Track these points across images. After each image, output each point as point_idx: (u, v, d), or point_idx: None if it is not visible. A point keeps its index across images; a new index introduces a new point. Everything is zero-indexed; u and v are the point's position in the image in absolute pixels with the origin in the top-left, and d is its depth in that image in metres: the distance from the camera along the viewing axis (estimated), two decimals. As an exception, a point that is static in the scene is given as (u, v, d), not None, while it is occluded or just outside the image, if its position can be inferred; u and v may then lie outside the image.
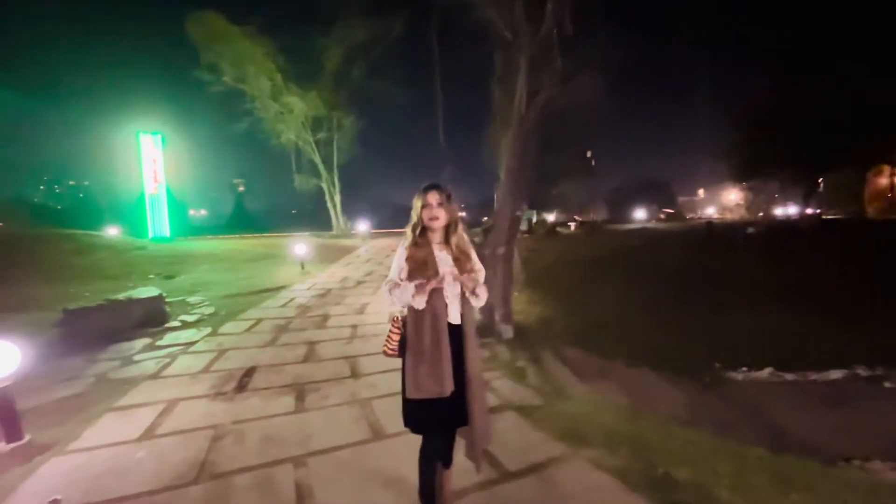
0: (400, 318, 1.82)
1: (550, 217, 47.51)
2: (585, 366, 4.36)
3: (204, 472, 2.25)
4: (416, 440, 1.81)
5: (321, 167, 26.40)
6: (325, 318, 5.94)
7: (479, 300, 1.81)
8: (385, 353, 1.86)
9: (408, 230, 1.83)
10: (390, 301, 1.79)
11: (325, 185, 26.84)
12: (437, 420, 1.74)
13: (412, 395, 1.68)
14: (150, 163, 17.52)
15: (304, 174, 26.80)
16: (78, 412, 3.16)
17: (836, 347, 5.73)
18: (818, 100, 21.86)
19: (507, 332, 5.02)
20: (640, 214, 55.42)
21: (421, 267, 1.74)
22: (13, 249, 12.11)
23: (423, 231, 1.81)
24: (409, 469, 2.17)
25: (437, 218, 1.77)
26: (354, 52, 24.18)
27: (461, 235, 1.87)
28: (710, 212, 63.50)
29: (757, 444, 2.59)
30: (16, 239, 13.88)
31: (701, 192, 77.24)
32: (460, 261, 1.80)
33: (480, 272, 1.88)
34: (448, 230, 1.82)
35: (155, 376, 3.84)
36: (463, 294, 1.77)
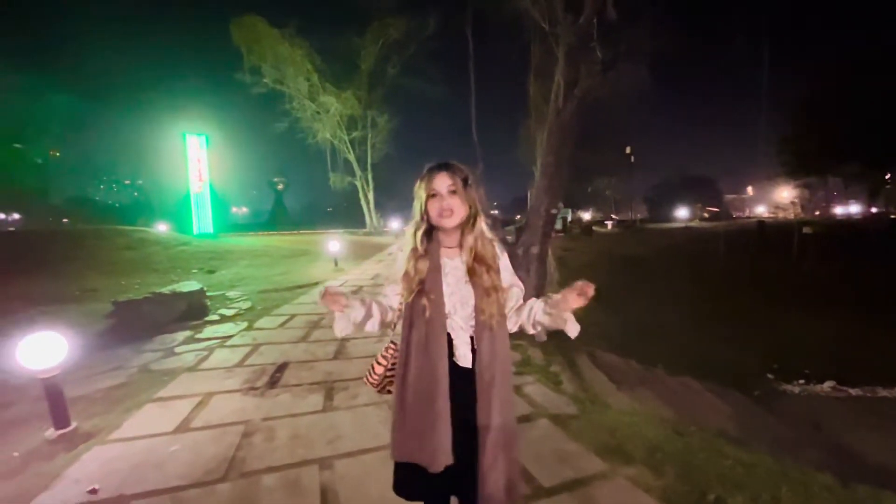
0: (393, 346, 1.37)
1: (586, 215, 46.33)
2: (624, 372, 4.13)
3: (233, 470, 2.26)
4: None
5: (355, 165, 26.89)
6: (357, 315, 5.96)
7: (512, 325, 1.36)
8: (365, 381, 1.46)
9: (409, 232, 1.32)
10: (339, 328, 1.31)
11: (358, 184, 27.33)
12: (432, 491, 1.30)
13: (396, 456, 1.25)
14: (195, 162, 18.38)
15: (338, 172, 27.39)
16: (121, 402, 3.28)
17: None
18: (887, 84, 19.87)
19: (542, 334, 4.84)
20: (681, 213, 52.95)
21: (418, 287, 1.25)
22: (76, 244, 13.01)
23: (430, 233, 1.31)
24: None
25: (450, 211, 1.24)
26: (389, 51, 24.47)
27: (482, 235, 1.31)
28: (761, 210, 59.83)
29: (821, 470, 2.33)
30: (78, 234, 14.91)
31: (749, 189, 73.00)
32: (477, 272, 1.27)
33: (514, 289, 1.37)
34: (463, 229, 1.30)
35: (193, 369, 3.95)
36: (481, 322, 1.24)
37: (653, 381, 4.06)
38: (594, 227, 32.07)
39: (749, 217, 49.74)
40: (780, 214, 51.85)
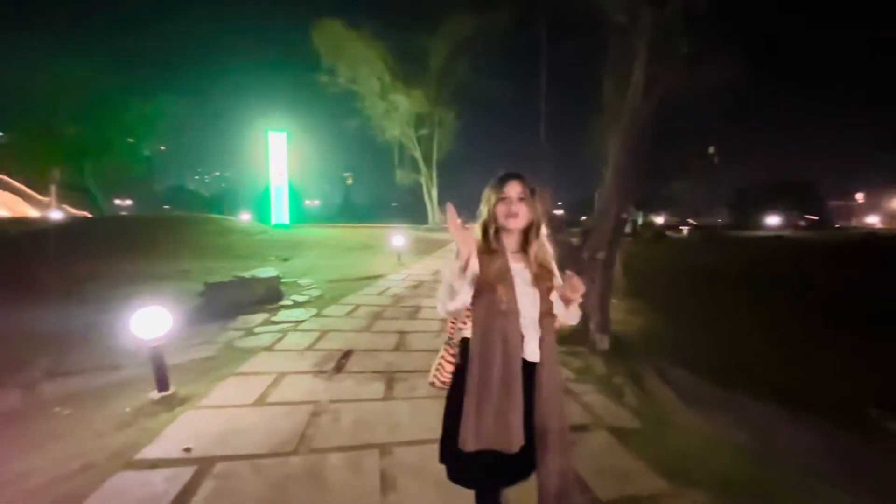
0: (456, 345, 1.44)
1: (659, 219, 43.47)
2: (695, 391, 3.85)
3: (303, 445, 2.44)
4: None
5: (421, 162, 27.46)
6: (417, 309, 6.13)
7: (572, 318, 1.45)
8: (434, 384, 1.52)
9: (477, 230, 1.40)
10: (442, 308, 1.37)
11: (423, 180, 27.89)
12: (496, 476, 1.40)
13: (469, 445, 1.28)
14: (276, 157, 19.88)
15: (404, 169, 28.14)
16: (209, 373, 3.67)
17: None
18: None
19: (603, 342, 4.66)
20: (772, 220, 47.76)
21: (492, 283, 1.32)
22: (173, 229, 14.67)
23: (496, 233, 1.40)
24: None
25: (516, 215, 1.35)
26: (459, 48, 24.63)
27: (543, 244, 1.43)
28: (872, 220, 52.29)
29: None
30: (175, 220, 16.79)
31: (859, 195, 64.10)
32: (542, 278, 1.38)
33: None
34: (528, 235, 1.41)
35: (269, 349, 4.30)
36: (546, 324, 1.37)
37: (730, 403, 3.74)
38: (667, 232, 30.01)
39: (857, 227, 43.67)
40: (896, 225, 44.91)
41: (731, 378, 4.26)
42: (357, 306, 6.24)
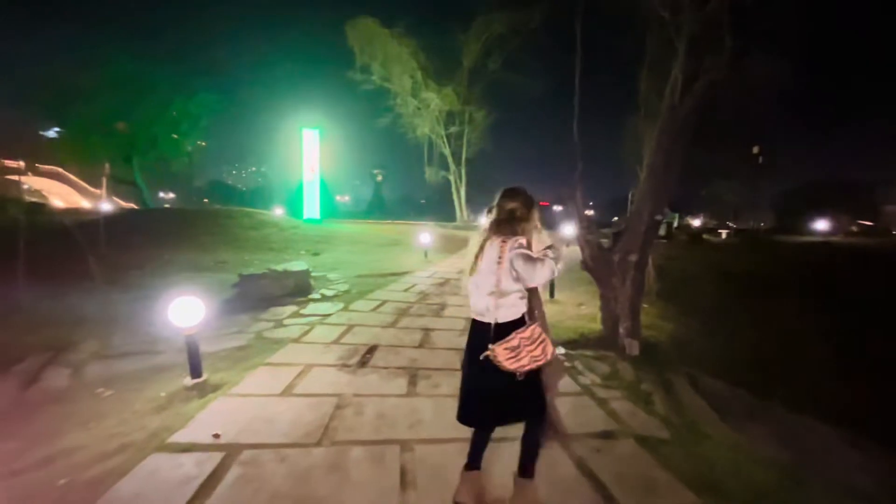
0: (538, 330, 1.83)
1: (696, 221, 41.76)
2: (729, 401, 3.68)
3: (326, 437, 2.49)
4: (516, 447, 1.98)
5: (450, 160, 27.46)
6: (442, 307, 6.14)
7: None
8: (521, 373, 1.74)
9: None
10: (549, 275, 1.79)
11: (452, 178, 27.89)
12: (493, 417, 1.96)
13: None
14: (309, 154, 20.36)
15: (434, 166, 28.21)
16: (240, 362, 3.80)
17: None
18: None
19: (633, 348, 4.51)
20: (820, 225, 44.95)
21: None
22: (212, 221, 15.27)
23: None
24: (510, 483, 2.08)
25: None
26: (491, 45, 24.43)
27: None
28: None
29: None
30: (214, 213, 17.48)
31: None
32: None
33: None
34: None
35: (297, 340, 4.41)
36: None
37: (766, 416, 3.55)
38: (704, 236, 28.79)
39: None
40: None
41: (768, 389, 4.04)
42: (383, 302, 6.31)
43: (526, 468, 1.93)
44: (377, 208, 61.62)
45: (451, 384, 3.33)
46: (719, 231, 35.42)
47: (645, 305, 5.46)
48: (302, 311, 5.73)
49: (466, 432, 2.59)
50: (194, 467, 2.13)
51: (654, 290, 7.15)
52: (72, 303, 5.82)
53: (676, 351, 5.02)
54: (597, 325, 5.02)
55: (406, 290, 7.29)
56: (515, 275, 1.74)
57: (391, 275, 8.90)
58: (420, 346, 4.37)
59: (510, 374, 1.74)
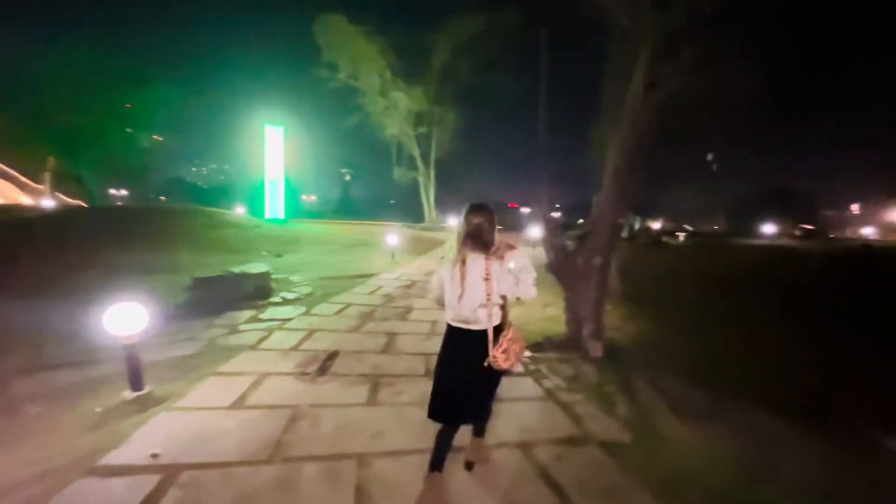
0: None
1: (656, 224, 43.48)
2: (689, 401, 3.76)
3: (278, 453, 2.33)
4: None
5: (419, 161, 27.32)
6: (408, 310, 6.03)
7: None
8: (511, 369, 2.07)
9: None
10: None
11: (420, 178, 27.74)
12: (456, 414, 2.11)
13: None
14: (272, 152, 19.68)
15: (403, 167, 27.98)
16: (189, 371, 3.55)
17: None
18: None
19: (596, 349, 4.57)
20: (768, 228, 47.90)
21: None
22: (168, 220, 14.50)
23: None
24: (472, 491, 2.01)
25: None
26: (462, 48, 24.48)
27: None
28: (867, 232, 52.46)
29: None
30: (171, 212, 16.62)
31: (854, 207, 64.40)
32: None
33: None
34: None
35: (253, 347, 4.19)
36: None
37: (723, 414, 3.65)
38: (664, 238, 30.01)
39: (851, 238, 43.82)
40: (892, 237, 44.99)
41: (725, 386, 4.17)
42: (347, 305, 6.13)
43: (479, 430, 2.32)
44: (345, 208, 60.54)
45: (415, 391, 3.23)
46: (677, 234, 37.02)
47: (608, 307, 5.54)
48: (260, 316, 5.47)
49: (428, 442, 2.51)
50: (126, 493, 1.93)
51: (618, 292, 7.31)
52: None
53: (639, 351, 5.12)
54: (561, 328, 5.05)
55: (371, 293, 7.13)
56: (507, 285, 1.99)
57: (357, 277, 8.69)
58: (384, 351, 4.24)
59: (488, 373, 1.98)
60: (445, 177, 29.73)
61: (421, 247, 15.02)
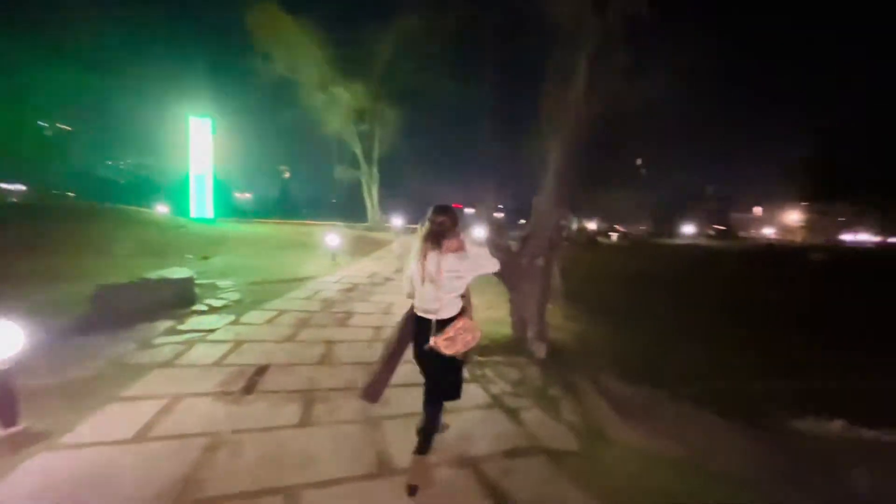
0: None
1: (591, 225, 45.92)
2: (631, 401, 3.84)
3: (187, 493, 1.99)
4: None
5: (361, 159, 26.63)
6: (349, 315, 5.71)
7: None
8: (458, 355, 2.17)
9: None
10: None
11: (363, 177, 27.05)
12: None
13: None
14: (198, 145, 18.11)
15: (344, 165, 27.14)
16: (83, 398, 3.02)
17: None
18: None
19: (541, 350, 4.57)
20: (687, 229, 52.53)
21: None
22: (76, 220, 12.80)
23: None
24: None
25: None
26: (404, 46, 24.15)
27: None
28: (768, 232, 59.10)
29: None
30: (79, 210, 14.72)
31: (757, 209, 72.36)
32: None
33: None
34: None
35: (168, 364, 3.69)
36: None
37: (663, 412, 3.78)
38: (599, 239, 31.73)
39: (756, 238, 49.24)
40: (788, 237, 51.13)
41: (663, 381, 4.34)
42: (281, 312, 5.68)
43: (424, 448, 2.19)
44: (284, 207, 57.75)
45: (353, 408, 2.98)
46: (610, 234, 39.36)
47: (550, 307, 5.60)
48: (180, 327, 4.89)
49: (368, 468, 2.29)
50: (-26, 568, 1.52)
51: (561, 292, 7.47)
52: None
53: (582, 351, 5.22)
54: (507, 330, 5.01)
55: (309, 298, 6.69)
56: (458, 273, 2.12)
57: (293, 280, 8.16)
58: (320, 362, 3.92)
59: (444, 360, 2.13)
60: (389, 176, 29.21)
61: (364, 248, 14.56)
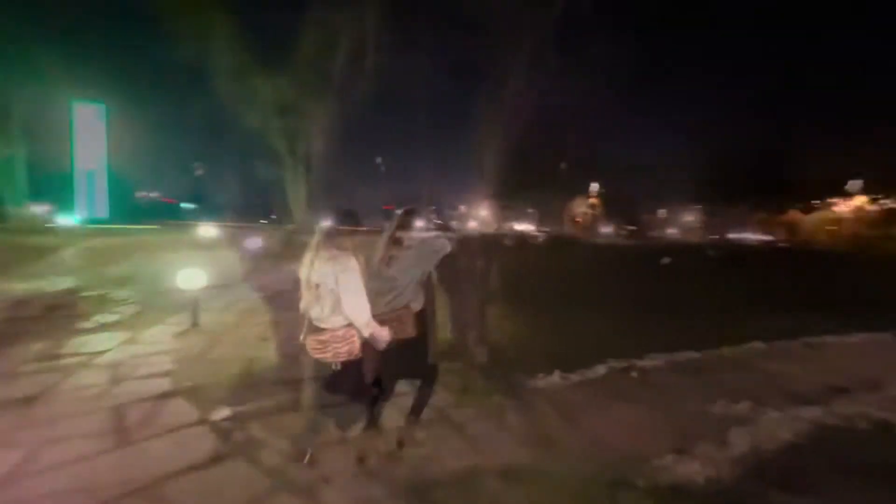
0: None
1: (521, 227, 47.86)
2: (570, 398, 3.84)
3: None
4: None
5: (286, 157, 25.07)
6: (275, 324, 5.15)
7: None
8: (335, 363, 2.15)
9: None
10: None
11: (288, 176, 25.48)
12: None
13: None
14: (87, 136, 15.72)
15: (267, 162, 25.43)
16: None
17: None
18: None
19: (482, 355, 4.45)
20: (604, 230, 57.13)
21: None
22: None
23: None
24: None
25: None
26: (334, 38, 23.08)
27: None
28: (672, 231, 65.87)
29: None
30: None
31: (661, 211, 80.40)
32: None
33: None
34: None
35: (29, 401, 2.97)
36: None
37: (597, 407, 3.81)
38: (528, 239, 33.03)
39: (661, 237, 54.67)
40: (688, 236, 57.43)
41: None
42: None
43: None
44: (196, 207, 52.84)
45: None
46: (537, 235, 41.23)
47: (489, 307, 5.53)
48: (57, 351, 4.05)
49: None
50: None
51: (498, 292, 7.47)
52: None
53: (520, 350, 5.19)
54: (447, 335, 4.83)
55: (225, 308, 5.97)
56: (335, 287, 2.07)
57: (206, 289, 7.27)
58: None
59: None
60: (318, 176, 27.77)
61: (288, 251, 13.59)
